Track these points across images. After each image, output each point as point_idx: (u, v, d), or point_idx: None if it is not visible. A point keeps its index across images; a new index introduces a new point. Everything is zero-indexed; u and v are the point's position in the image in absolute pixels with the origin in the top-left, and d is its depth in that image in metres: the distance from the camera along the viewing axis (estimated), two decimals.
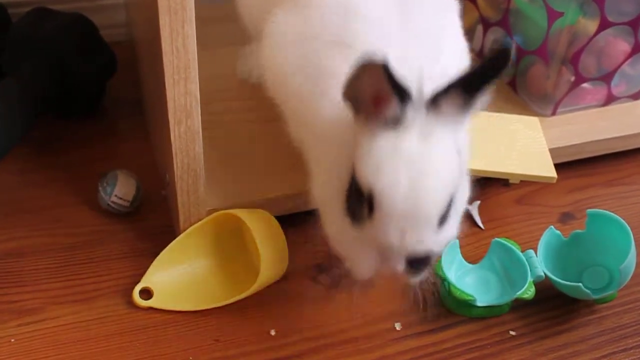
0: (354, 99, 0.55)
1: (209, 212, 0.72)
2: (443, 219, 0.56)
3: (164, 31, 0.57)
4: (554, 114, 0.90)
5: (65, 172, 0.85)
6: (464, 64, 0.67)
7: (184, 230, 0.71)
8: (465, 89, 0.53)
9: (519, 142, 0.83)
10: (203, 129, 0.66)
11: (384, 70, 0.51)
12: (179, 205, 0.69)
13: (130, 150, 0.89)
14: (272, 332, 0.69)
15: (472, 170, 0.74)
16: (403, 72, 0.52)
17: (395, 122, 0.54)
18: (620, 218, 0.72)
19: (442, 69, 0.59)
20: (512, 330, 0.71)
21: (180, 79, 0.61)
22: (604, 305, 0.74)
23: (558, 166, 0.87)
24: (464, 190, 0.62)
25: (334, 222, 0.60)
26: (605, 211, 0.74)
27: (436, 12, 0.68)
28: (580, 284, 0.69)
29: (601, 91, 0.91)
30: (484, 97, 0.54)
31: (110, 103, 0.96)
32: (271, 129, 0.83)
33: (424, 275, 0.59)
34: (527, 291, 0.70)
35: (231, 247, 0.74)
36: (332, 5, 0.64)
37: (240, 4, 0.82)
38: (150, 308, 0.70)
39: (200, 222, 0.71)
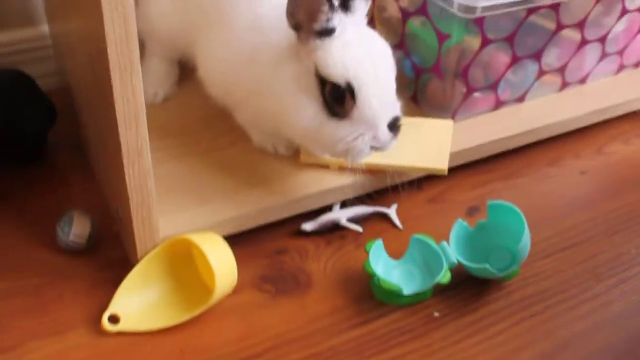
0: (295, 14, 0.74)
1: (163, 240, 0.81)
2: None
3: (115, 85, 0.66)
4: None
5: (17, 219, 0.92)
6: None
7: (141, 258, 0.80)
8: None
9: (426, 142, 0.95)
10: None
11: None
12: (136, 237, 0.78)
13: (78, 191, 0.96)
14: (230, 339, 0.78)
15: (371, 165, 0.89)
16: None
17: (332, 30, 0.74)
18: (514, 206, 0.85)
19: None
20: (436, 312, 0.83)
21: (131, 125, 0.69)
22: (510, 281, 0.87)
23: (461, 167, 1.01)
24: None
25: (324, 130, 0.77)
26: (502, 201, 0.87)
27: None
28: (487, 265, 0.81)
29: (490, 98, 1.04)
30: None
31: (51, 149, 1.03)
32: (209, 159, 0.93)
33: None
34: (444, 276, 0.82)
35: (185, 269, 0.82)
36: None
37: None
38: (119, 332, 0.78)
39: (155, 250, 0.80)
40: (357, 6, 0.77)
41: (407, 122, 0.96)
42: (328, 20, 0.73)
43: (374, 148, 0.78)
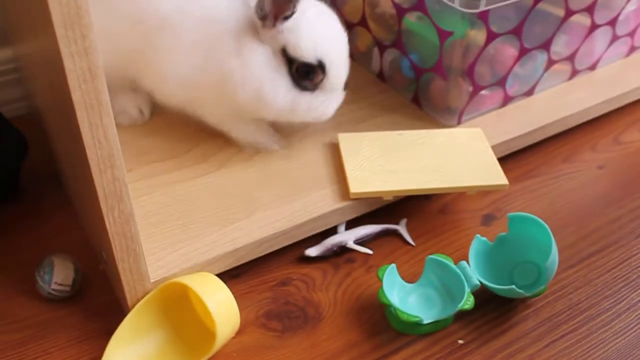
0: (265, 7, 0.78)
1: (154, 284, 0.73)
2: None
3: (84, 126, 0.58)
4: (459, 123, 0.95)
5: None
6: None
7: (132, 306, 0.72)
8: None
9: (469, 155, 0.88)
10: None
11: None
12: (124, 284, 0.70)
13: (58, 228, 0.88)
14: None
15: (431, 189, 0.83)
16: None
17: (294, 14, 0.78)
18: (537, 217, 0.78)
19: None
20: (460, 339, 0.76)
21: (106, 167, 0.61)
22: (537, 298, 0.80)
23: None
24: None
25: (296, 103, 0.83)
26: (523, 213, 0.79)
27: None
28: (514, 287, 0.74)
29: (498, 94, 0.97)
30: None
31: (25, 182, 0.94)
32: (199, 186, 0.85)
33: None
34: (467, 302, 0.74)
35: (181, 314, 0.75)
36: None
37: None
38: None
39: (146, 297, 0.72)
40: None
41: (437, 134, 0.91)
42: (295, 6, 0.78)
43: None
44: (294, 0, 0.78)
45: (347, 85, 0.87)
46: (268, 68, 0.81)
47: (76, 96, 0.56)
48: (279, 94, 0.82)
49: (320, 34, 0.81)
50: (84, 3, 0.52)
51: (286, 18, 0.79)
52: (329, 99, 0.85)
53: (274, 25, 0.79)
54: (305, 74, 0.82)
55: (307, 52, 0.80)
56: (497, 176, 0.85)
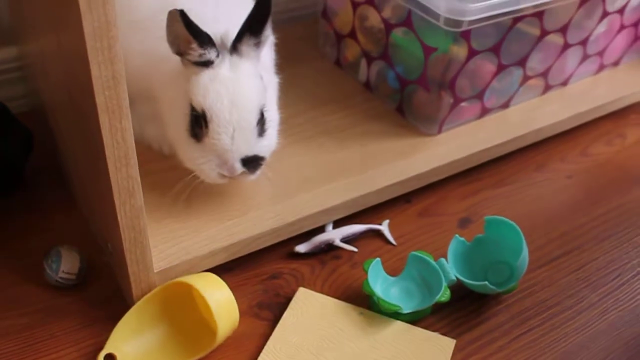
0: (174, 43, 0.77)
1: (158, 274, 0.78)
2: (261, 130, 0.81)
3: (105, 128, 0.64)
4: (439, 132, 1.02)
5: (1, 251, 0.89)
6: None
7: (137, 295, 0.78)
8: (251, 33, 0.78)
9: None
10: None
11: (182, 17, 0.73)
12: (130, 274, 0.75)
13: (62, 221, 0.93)
14: None
15: None
16: (212, 29, 0.77)
17: (209, 63, 0.78)
18: (511, 221, 0.85)
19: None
20: (436, 330, 0.82)
21: (121, 165, 0.67)
22: (508, 294, 0.87)
23: (450, 177, 1.00)
24: (272, 106, 0.86)
25: (184, 146, 0.82)
26: (499, 217, 0.86)
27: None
28: (486, 283, 0.81)
29: (476, 107, 1.04)
30: (267, 33, 0.80)
31: (29, 175, 0.99)
32: (195, 185, 0.91)
33: (258, 174, 0.83)
34: (444, 295, 0.81)
35: (184, 309, 0.80)
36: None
37: None
38: None
39: (151, 292, 0.77)
40: (246, 52, 0.80)
41: (399, 329, 0.81)
42: (200, 55, 0.77)
43: (222, 176, 0.82)
44: (193, 42, 0.76)
45: (255, 164, 0.82)
46: (176, 104, 0.82)
47: (100, 101, 0.62)
48: (171, 129, 0.84)
49: (218, 86, 0.78)
50: (112, 17, 0.58)
51: (198, 64, 0.78)
52: (207, 157, 0.80)
53: (189, 64, 0.79)
54: (196, 122, 0.80)
55: (195, 98, 0.79)
56: None
